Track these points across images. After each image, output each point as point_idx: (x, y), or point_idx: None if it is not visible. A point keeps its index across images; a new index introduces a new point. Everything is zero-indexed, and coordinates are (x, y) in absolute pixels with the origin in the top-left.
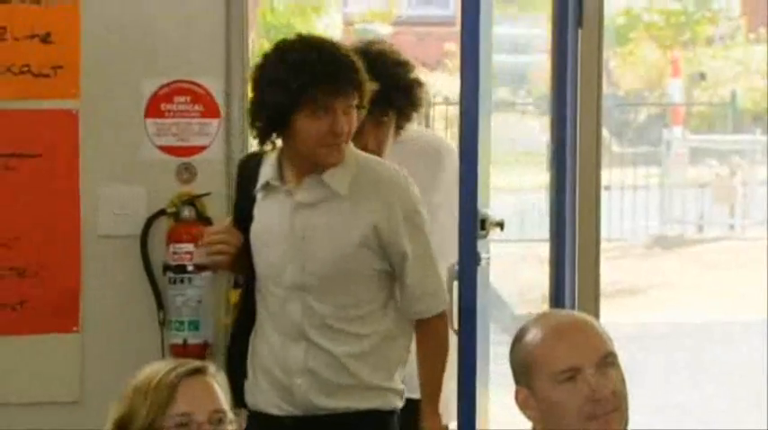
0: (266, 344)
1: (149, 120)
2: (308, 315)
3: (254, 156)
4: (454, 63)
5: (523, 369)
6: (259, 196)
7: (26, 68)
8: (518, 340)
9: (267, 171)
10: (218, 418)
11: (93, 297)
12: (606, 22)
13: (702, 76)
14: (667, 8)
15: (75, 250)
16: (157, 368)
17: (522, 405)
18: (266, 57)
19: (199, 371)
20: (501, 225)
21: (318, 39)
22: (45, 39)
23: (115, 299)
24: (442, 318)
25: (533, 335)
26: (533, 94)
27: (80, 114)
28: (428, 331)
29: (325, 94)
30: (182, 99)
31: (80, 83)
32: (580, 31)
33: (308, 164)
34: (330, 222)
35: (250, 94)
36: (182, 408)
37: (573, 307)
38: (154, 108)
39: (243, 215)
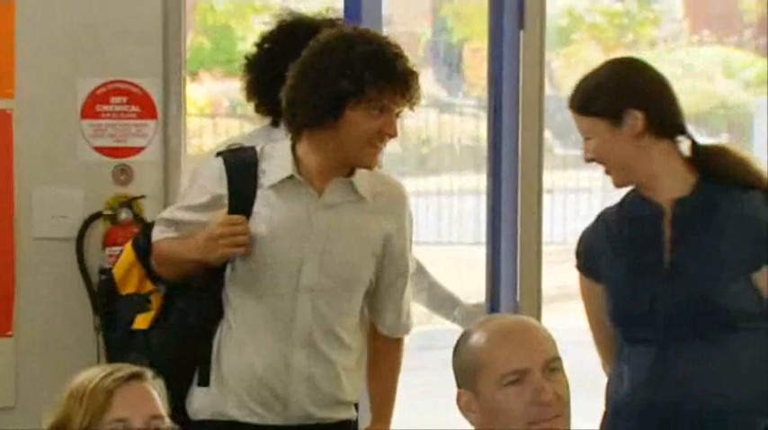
0: (249, 349)
1: (85, 121)
2: (318, 319)
3: (242, 150)
4: None
5: (468, 372)
6: (269, 191)
7: None
8: (462, 343)
9: (280, 165)
10: (155, 425)
11: (27, 300)
12: (548, 22)
13: None
14: (610, 9)
15: (9, 253)
16: (93, 373)
17: (465, 408)
18: (328, 44)
19: (136, 377)
20: None
21: (385, 38)
22: None
23: (50, 302)
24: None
25: (478, 338)
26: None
27: (14, 114)
28: (399, 348)
29: (389, 92)
30: (118, 100)
31: (15, 82)
32: (522, 32)
33: (338, 162)
34: (353, 225)
35: (292, 80)
36: (118, 414)
37: (514, 311)
38: (90, 109)
39: (237, 212)
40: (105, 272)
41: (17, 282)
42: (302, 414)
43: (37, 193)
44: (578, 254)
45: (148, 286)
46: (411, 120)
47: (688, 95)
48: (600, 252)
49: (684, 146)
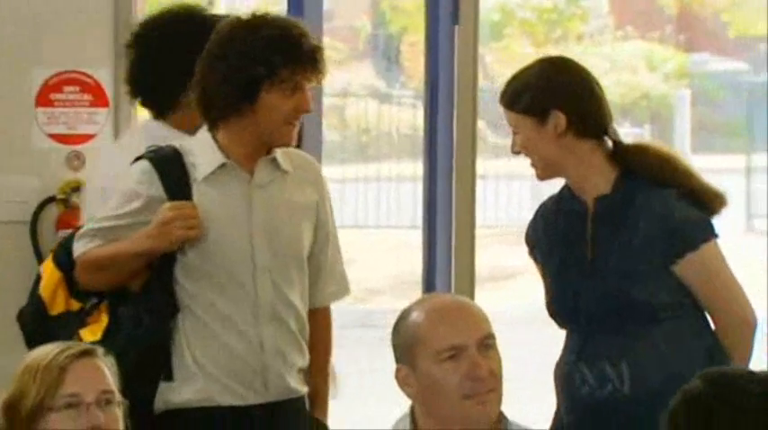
0: (221, 336)
1: (39, 110)
2: (279, 294)
3: (161, 150)
4: (333, 56)
5: (406, 348)
6: (203, 183)
7: None
8: (401, 320)
9: (208, 156)
10: (106, 399)
11: None
12: (481, 18)
13: None
14: (540, 5)
15: None
16: (47, 350)
17: (402, 382)
18: (232, 31)
19: (88, 354)
20: None
21: (286, 19)
22: None
23: (4, 284)
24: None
25: (416, 316)
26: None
27: None
28: (329, 318)
29: (300, 71)
30: (71, 89)
31: None
32: (457, 27)
33: (258, 144)
34: (286, 199)
35: (201, 72)
36: (71, 389)
37: (449, 291)
38: (44, 97)
39: None
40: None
41: None
42: (281, 388)
43: None
44: (526, 242)
45: (75, 304)
46: (351, 110)
47: (613, 88)
48: (539, 244)
49: (609, 145)
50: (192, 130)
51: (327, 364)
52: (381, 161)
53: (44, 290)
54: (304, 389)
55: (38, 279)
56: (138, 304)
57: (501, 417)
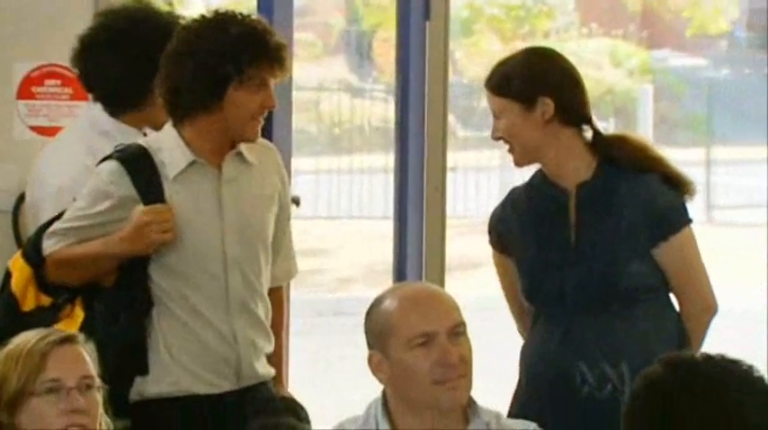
0: (194, 328)
1: (21, 102)
2: (247, 285)
3: (128, 148)
4: (308, 51)
5: (379, 334)
6: (173, 182)
7: None
8: (374, 307)
9: (176, 153)
10: (86, 384)
11: None
12: (451, 15)
13: None
14: (508, 3)
15: None
16: (29, 336)
17: (375, 368)
18: (199, 29)
19: (68, 340)
20: (296, 202)
21: (250, 16)
22: None
23: None
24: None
25: (389, 304)
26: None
27: None
28: (283, 297)
29: (266, 68)
30: (52, 82)
31: None
32: (428, 23)
33: (225, 140)
34: (253, 192)
35: (168, 69)
36: (52, 374)
37: (420, 279)
38: (26, 90)
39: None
40: (3, 294)
41: None
42: (252, 375)
43: None
44: (490, 231)
45: (45, 299)
46: (325, 104)
47: None
48: (509, 229)
49: (588, 134)
50: (140, 127)
51: (284, 341)
52: (353, 153)
53: (16, 286)
54: (272, 372)
55: (7, 275)
56: (113, 300)
57: (470, 402)
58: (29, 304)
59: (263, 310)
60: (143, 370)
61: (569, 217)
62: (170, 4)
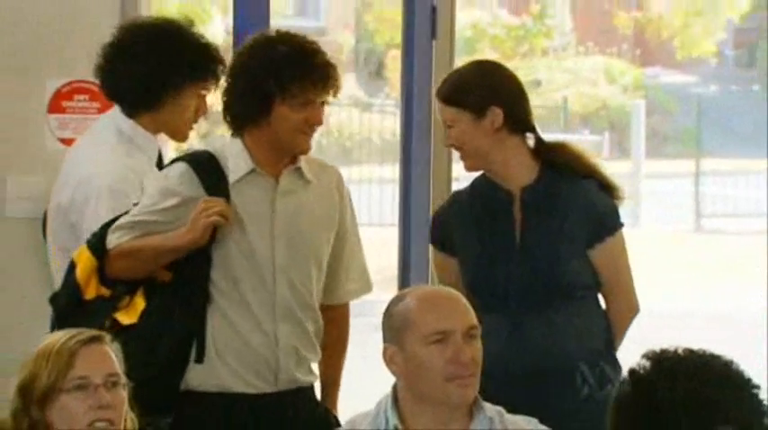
0: (241, 328)
1: (52, 116)
2: (295, 294)
3: (197, 154)
4: None
5: (397, 329)
6: (235, 186)
7: None
8: (394, 303)
9: (239, 161)
10: (112, 381)
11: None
12: (456, 34)
13: (538, 83)
14: (509, 23)
15: None
16: (58, 336)
17: (389, 360)
18: (252, 47)
19: (96, 340)
20: None
21: (303, 37)
22: None
23: (19, 274)
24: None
25: (409, 301)
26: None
27: None
28: (346, 314)
29: (310, 87)
30: (81, 97)
31: None
32: (434, 42)
33: (279, 152)
34: (308, 206)
35: (225, 85)
36: (80, 372)
37: (425, 283)
38: (56, 105)
39: None
40: (68, 283)
41: None
42: (290, 379)
43: (9, 179)
44: (433, 232)
45: (105, 290)
46: (334, 118)
47: (575, 98)
48: (452, 230)
49: (531, 141)
50: (156, 131)
51: (342, 359)
52: (363, 164)
53: (80, 275)
54: (312, 379)
55: (72, 265)
56: (171, 295)
57: (475, 399)
58: (90, 293)
59: (311, 322)
60: (196, 360)
61: (514, 217)
62: (191, 21)
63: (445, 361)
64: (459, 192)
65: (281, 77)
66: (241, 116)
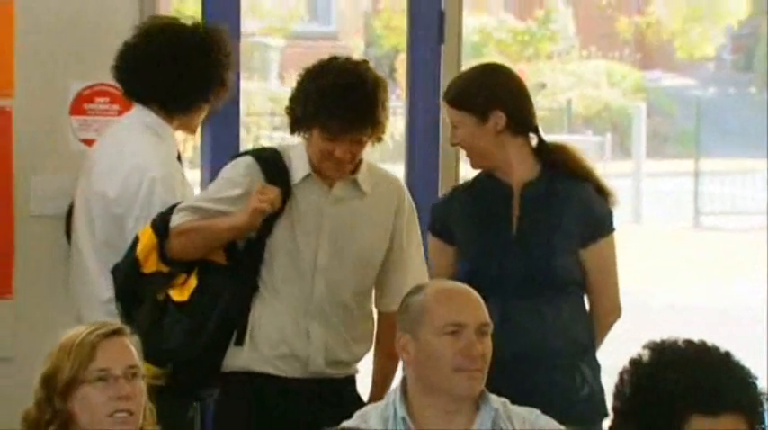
0: (278, 319)
1: (74, 118)
2: (331, 296)
3: (265, 151)
4: None
5: (412, 319)
6: (294, 187)
7: None
8: (413, 294)
9: (300, 164)
10: (132, 373)
11: (24, 267)
12: (463, 39)
13: (543, 86)
14: (514, 28)
15: (9, 228)
16: (80, 330)
17: (402, 349)
18: (307, 71)
19: (116, 333)
20: None
21: (355, 73)
22: None
23: (43, 269)
24: None
25: (427, 293)
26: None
27: (14, 111)
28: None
29: (336, 124)
30: (102, 99)
31: (14, 84)
32: (443, 46)
33: (315, 170)
34: (357, 216)
35: (296, 86)
36: (101, 364)
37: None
38: (78, 107)
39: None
40: (129, 257)
41: (15, 253)
42: (318, 371)
43: (33, 178)
44: (433, 220)
45: (163, 267)
46: None
47: (578, 100)
48: (452, 221)
49: (533, 141)
50: (176, 129)
51: (393, 363)
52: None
53: (141, 251)
54: (348, 373)
55: (135, 241)
56: (223, 278)
57: (482, 393)
58: (149, 268)
59: (346, 324)
60: (237, 342)
61: (512, 211)
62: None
63: (456, 352)
64: (457, 187)
65: (312, 110)
66: (293, 123)
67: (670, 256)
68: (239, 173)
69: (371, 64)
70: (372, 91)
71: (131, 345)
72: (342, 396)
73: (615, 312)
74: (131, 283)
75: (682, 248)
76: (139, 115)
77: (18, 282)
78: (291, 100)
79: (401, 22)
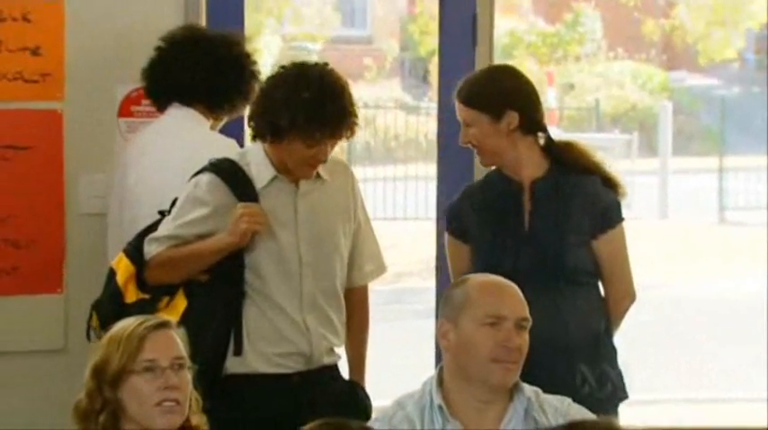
0: (274, 320)
1: (121, 119)
2: (320, 286)
3: (223, 162)
4: (371, 74)
5: (455, 308)
6: (261, 191)
7: (18, 75)
8: (458, 284)
9: (263, 168)
10: (178, 364)
11: (73, 263)
12: (494, 41)
13: (572, 86)
14: (544, 31)
15: (59, 225)
16: (128, 322)
17: (442, 335)
18: (278, 77)
19: (163, 325)
20: None
21: (332, 79)
22: (34, 51)
23: (91, 265)
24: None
25: (471, 283)
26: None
27: (64, 114)
28: (365, 298)
29: (317, 133)
30: (147, 102)
31: (64, 88)
32: (476, 48)
33: (287, 171)
34: (326, 204)
35: (255, 99)
36: (148, 355)
37: None
38: (125, 109)
39: None
40: (108, 288)
41: (66, 249)
42: (320, 361)
43: (82, 178)
44: (449, 220)
45: (143, 295)
46: (381, 120)
47: (606, 100)
48: (467, 220)
49: (542, 140)
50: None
51: (366, 337)
52: (408, 163)
53: (120, 280)
54: (335, 359)
55: (111, 272)
56: (210, 294)
57: (517, 383)
58: (131, 297)
59: (336, 311)
60: (235, 352)
61: (523, 207)
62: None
63: (494, 343)
64: (470, 187)
65: (293, 119)
66: (260, 134)
67: (696, 250)
68: (203, 190)
69: (406, 65)
70: (348, 93)
71: (177, 338)
72: (336, 379)
73: (629, 297)
74: (116, 316)
75: (707, 242)
76: (177, 115)
77: (68, 277)
78: (267, 111)
79: (434, 28)
